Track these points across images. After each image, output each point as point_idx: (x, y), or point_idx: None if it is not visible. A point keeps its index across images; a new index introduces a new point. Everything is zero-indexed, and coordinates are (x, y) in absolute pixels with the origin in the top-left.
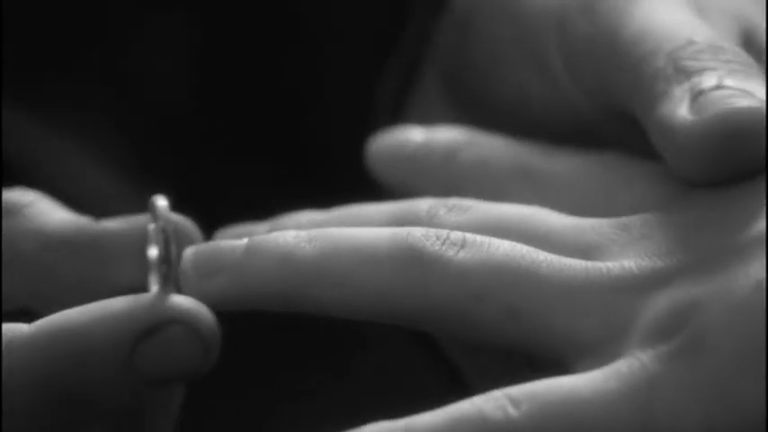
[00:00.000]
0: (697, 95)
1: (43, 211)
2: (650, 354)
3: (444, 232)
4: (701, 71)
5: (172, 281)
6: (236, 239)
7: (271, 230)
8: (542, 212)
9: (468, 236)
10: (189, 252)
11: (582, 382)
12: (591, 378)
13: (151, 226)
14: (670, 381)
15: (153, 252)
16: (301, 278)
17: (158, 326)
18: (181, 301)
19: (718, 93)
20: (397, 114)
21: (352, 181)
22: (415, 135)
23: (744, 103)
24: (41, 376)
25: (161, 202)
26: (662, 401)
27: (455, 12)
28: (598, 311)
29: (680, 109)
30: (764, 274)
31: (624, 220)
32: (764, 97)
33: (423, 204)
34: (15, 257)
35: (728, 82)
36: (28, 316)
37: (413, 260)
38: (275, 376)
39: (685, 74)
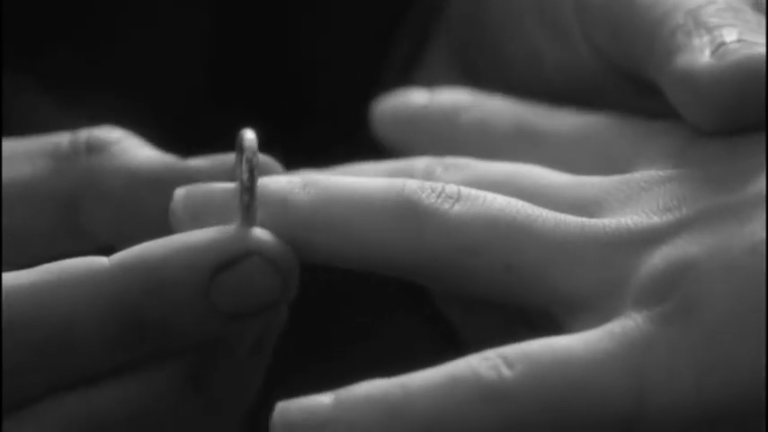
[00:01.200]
0: (719, 46)
1: (130, 147)
2: (645, 314)
3: (440, 185)
4: (722, 26)
5: (253, 213)
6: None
7: None
8: (540, 170)
9: (464, 189)
10: (180, 192)
11: (575, 341)
12: (585, 338)
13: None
14: (663, 342)
15: (237, 182)
16: (295, 224)
17: (236, 258)
18: (260, 233)
19: (740, 44)
20: (405, 85)
21: (359, 149)
22: (417, 97)
23: (766, 49)
24: (117, 308)
25: (249, 134)
26: (655, 362)
27: None
28: (593, 267)
29: (701, 57)
30: (762, 236)
31: (623, 176)
32: None
33: (419, 163)
34: (101, 195)
35: (749, 37)
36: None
37: (408, 211)
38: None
39: (706, 28)
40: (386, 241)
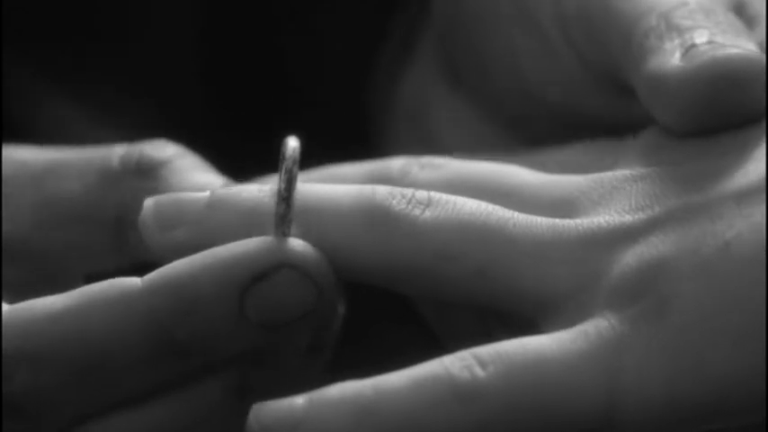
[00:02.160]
0: (689, 48)
1: (181, 169)
2: (618, 314)
3: (409, 191)
4: (692, 28)
5: (289, 223)
6: (198, 191)
7: None
8: (516, 169)
9: (434, 194)
10: (149, 202)
11: (549, 341)
12: (558, 338)
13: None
14: (636, 343)
15: (274, 189)
16: (266, 234)
17: (269, 270)
18: (294, 243)
19: (710, 46)
20: (394, 80)
21: (348, 144)
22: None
23: (734, 50)
24: (150, 328)
25: (292, 142)
26: (627, 363)
27: None
28: (566, 267)
29: (671, 60)
30: (732, 234)
31: (596, 175)
32: (755, 49)
33: (396, 163)
34: None
35: (719, 39)
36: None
37: (379, 218)
38: None
39: (678, 30)
40: (357, 249)
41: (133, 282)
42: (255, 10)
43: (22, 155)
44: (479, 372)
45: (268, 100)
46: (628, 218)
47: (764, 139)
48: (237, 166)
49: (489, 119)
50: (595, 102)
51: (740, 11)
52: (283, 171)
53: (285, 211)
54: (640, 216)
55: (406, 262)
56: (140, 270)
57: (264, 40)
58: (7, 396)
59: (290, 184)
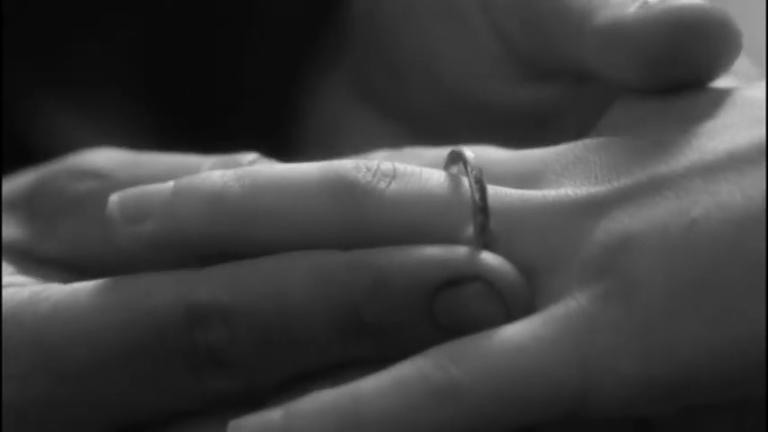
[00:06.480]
0: (644, 3)
1: None
2: (587, 293)
3: (374, 163)
4: None
5: (488, 234)
6: (161, 183)
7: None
8: (483, 148)
9: (399, 166)
10: (114, 198)
11: (520, 330)
12: (529, 325)
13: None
14: (606, 323)
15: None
16: (232, 218)
17: (463, 279)
18: (489, 258)
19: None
20: (310, 94)
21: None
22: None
23: (687, 1)
24: (345, 301)
25: (469, 153)
26: (599, 344)
27: None
28: (536, 236)
29: (628, 9)
30: (698, 212)
31: (560, 146)
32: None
33: (380, 153)
34: None
35: None
36: None
37: (345, 192)
38: None
39: None
40: (327, 226)
41: (335, 253)
42: (192, 24)
43: None
44: (453, 370)
45: (202, 107)
46: (592, 190)
47: (731, 105)
48: None
49: (400, 131)
50: (520, 92)
51: None
52: (473, 181)
53: (484, 221)
54: (606, 188)
55: (376, 235)
56: None
57: (200, 53)
58: (207, 349)
59: (483, 193)
